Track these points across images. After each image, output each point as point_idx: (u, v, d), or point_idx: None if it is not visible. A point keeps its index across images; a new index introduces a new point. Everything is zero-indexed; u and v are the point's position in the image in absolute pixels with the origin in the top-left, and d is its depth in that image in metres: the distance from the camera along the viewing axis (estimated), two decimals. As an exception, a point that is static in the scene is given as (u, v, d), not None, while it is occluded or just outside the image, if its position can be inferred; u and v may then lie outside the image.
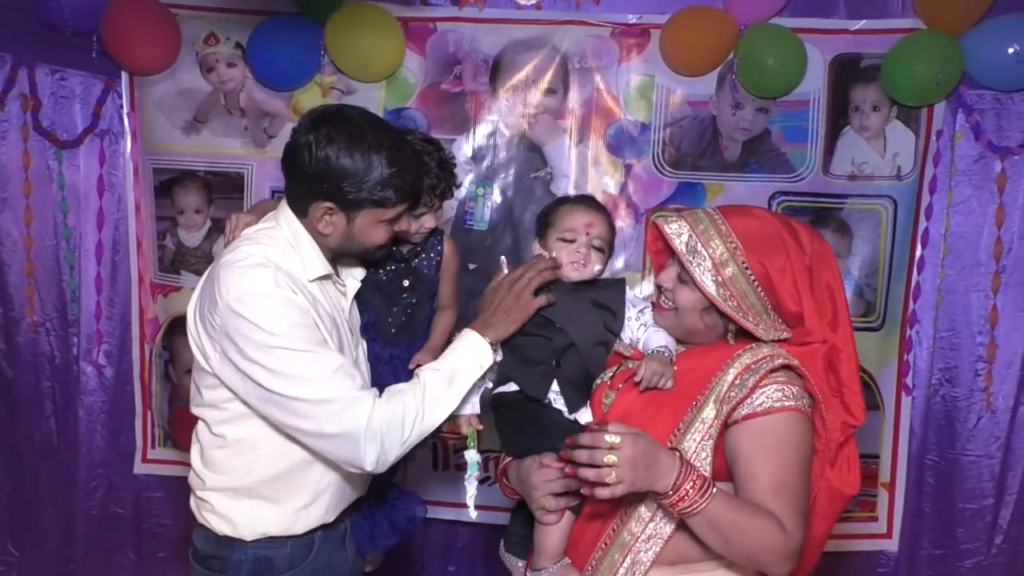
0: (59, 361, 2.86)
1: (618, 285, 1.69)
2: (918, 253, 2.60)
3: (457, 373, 1.60)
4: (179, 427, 2.82)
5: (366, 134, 1.57)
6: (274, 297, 1.52)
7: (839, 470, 1.50)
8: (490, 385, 1.67)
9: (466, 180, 2.64)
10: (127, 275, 2.82)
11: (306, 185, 1.58)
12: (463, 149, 2.64)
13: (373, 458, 1.52)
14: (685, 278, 1.52)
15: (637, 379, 1.51)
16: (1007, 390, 2.61)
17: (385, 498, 1.82)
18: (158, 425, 2.87)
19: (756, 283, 1.48)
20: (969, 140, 2.56)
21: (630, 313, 1.65)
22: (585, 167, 2.63)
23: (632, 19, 2.58)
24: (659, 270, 1.62)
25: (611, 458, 1.31)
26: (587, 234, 1.64)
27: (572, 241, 1.64)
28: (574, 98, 2.62)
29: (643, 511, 1.45)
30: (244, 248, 1.59)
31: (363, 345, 1.80)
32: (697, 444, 1.43)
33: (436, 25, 2.61)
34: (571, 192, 2.61)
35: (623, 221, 2.61)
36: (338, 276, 1.73)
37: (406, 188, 1.61)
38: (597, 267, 1.64)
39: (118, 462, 2.91)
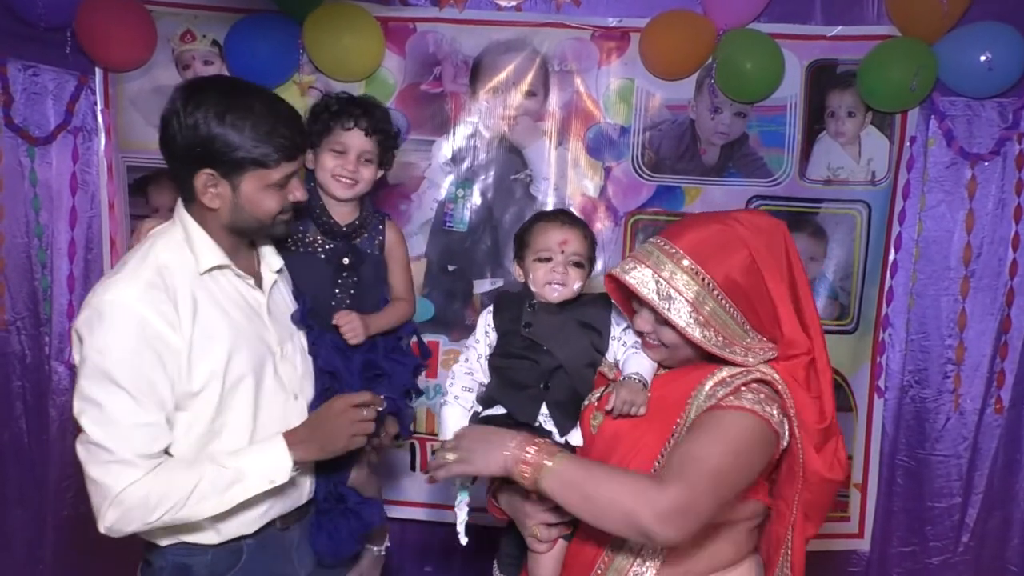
0: (30, 360, 2.80)
1: (604, 301, 1.62)
2: (891, 257, 2.63)
3: (241, 479, 1.50)
4: (153, 428, 2.79)
5: (236, 95, 1.51)
6: (127, 319, 1.42)
7: (824, 461, 1.43)
8: (479, 408, 1.63)
9: (446, 182, 2.62)
10: (100, 274, 2.71)
11: (181, 156, 1.51)
12: (443, 150, 2.63)
13: (109, 523, 1.44)
14: (661, 319, 1.45)
15: (608, 408, 1.48)
16: (975, 392, 2.64)
17: (346, 504, 1.74)
18: None
19: (731, 305, 1.42)
20: (941, 146, 2.59)
21: (615, 332, 1.61)
22: (565, 170, 2.62)
23: (612, 22, 2.57)
24: (629, 314, 1.55)
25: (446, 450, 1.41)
26: (563, 252, 1.60)
27: (548, 260, 1.60)
28: (554, 100, 2.61)
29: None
30: (128, 255, 1.55)
31: (299, 336, 1.72)
32: None
33: (416, 26, 2.58)
34: (550, 196, 2.61)
35: (602, 224, 2.61)
36: (247, 272, 1.62)
37: (285, 143, 1.52)
38: (577, 284, 1.61)
39: None
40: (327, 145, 1.77)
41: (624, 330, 1.61)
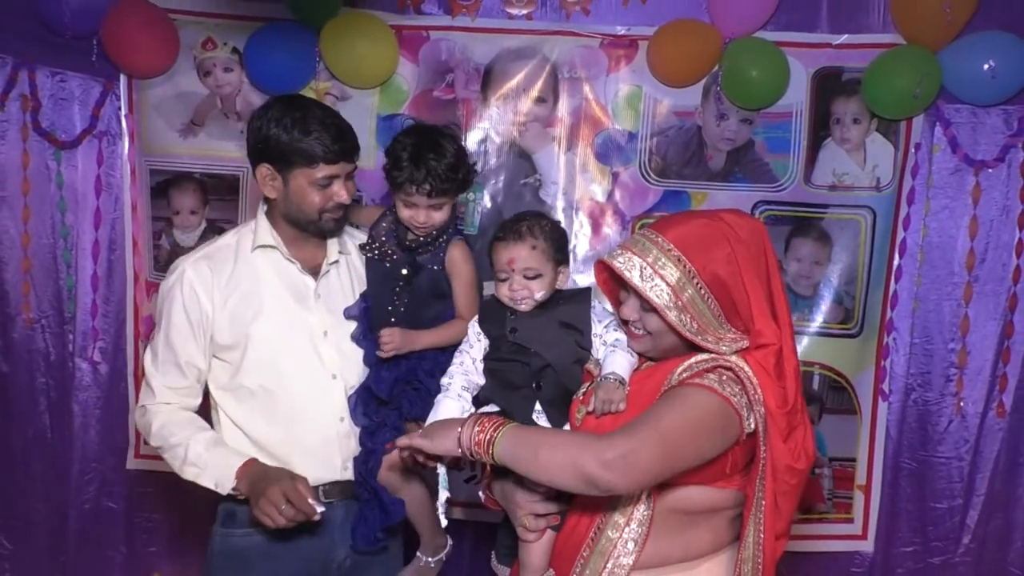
0: (54, 357, 2.87)
1: (582, 299, 1.68)
2: (895, 262, 2.65)
3: (201, 470, 1.76)
4: (172, 423, 2.86)
5: (294, 106, 1.79)
6: (174, 273, 1.85)
7: (790, 446, 1.46)
8: (473, 408, 1.69)
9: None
10: (123, 274, 2.83)
11: (251, 153, 1.82)
12: (455, 155, 2.69)
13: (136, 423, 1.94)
14: (647, 306, 1.50)
15: (590, 409, 1.53)
16: (976, 396, 2.66)
17: (378, 496, 1.83)
18: None
19: (709, 296, 1.46)
20: (946, 153, 2.61)
21: (596, 329, 1.65)
22: (573, 174, 2.66)
23: (621, 31, 2.61)
24: (616, 304, 1.60)
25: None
26: (513, 270, 1.65)
27: (506, 280, 1.66)
28: (563, 107, 2.66)
29: (618, 518, 1.47)
30: None
31: (349, 328, 1.86)
32: None
33: (429, 34, 2.64)
34: (559, 200, 2.67)
35: (610, 228, 2.66)
36: (307, 260, 1.87)
37: (327, 147, 1.74)
38: (539, 294, 1.65)
39: (111, 457, 2.91)
40: (399, 194, 1.83)
41: (605, 327, 1.65)
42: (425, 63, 2.65)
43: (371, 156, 2.59)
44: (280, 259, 1.86)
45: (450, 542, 1.98)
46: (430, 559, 1.93)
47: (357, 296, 1.91)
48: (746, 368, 1.45)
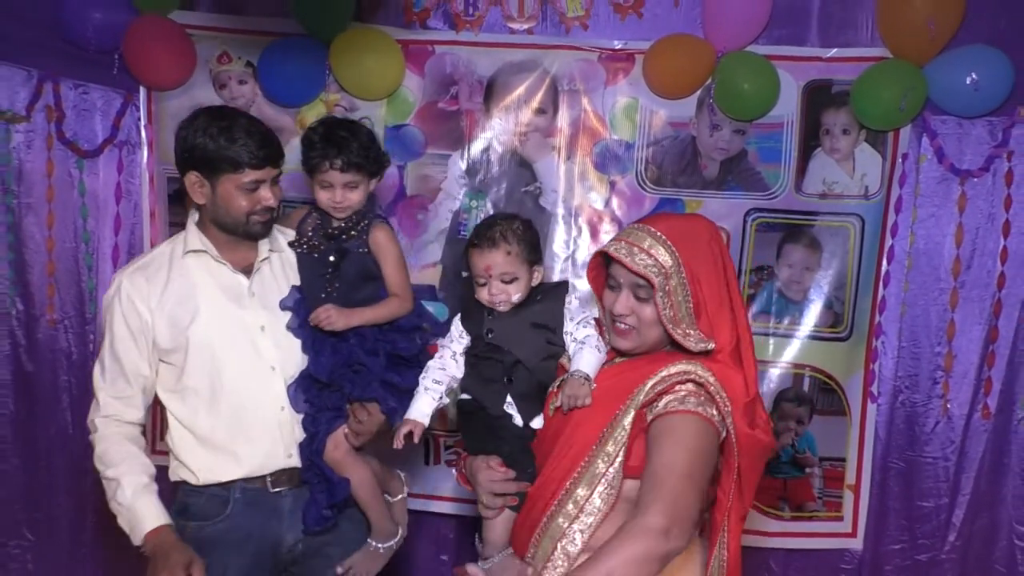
0: (76, 357, 2.95)
1: (557, 297, 1.76)
2: (884, 268, 2.69)
3: (122, 512, 1.84)
4: (187, 421, 2.95)
5: (219, 116, 1.87)
6: (113, 284, 1.93)
7: (758, 429, 1.56)
8: (445, 400, 1.84)
9: (460, 193, 2.75)
10: None
11: (179, 163, 1.90)
12: (458, 164, 2.75)
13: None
14: (643, 296, 1.59)
15: (557, 404, 1.64)
16: (962, 398, 2.69)
17: (323, 475, 1.92)
18: (166, 420, 2.97)
19: (687, 290, 1.56)
20: (932, 163, 2.64)
21: (568, 327, 1.74)
22: (572, 183, 2.73)
23: (618, 45, 2.68)
24: (602, 298, 1.68)
25: None
26: (490, 275, 1.74)
27: (484, 284, 1.75)
28: (563, 118, 2.72)
29: (570, 508, 1.56)
30: None
31: (281, 319, 1.94)
32: (616, 448, 1.55)
33: (434, 48, 2.71)
34: (559, 207, 2.74)
35: (607, 234, 2.71)
36: (239, 261, 1.95)
37: (252, 152, 1.82)
38: (516, 296, 1.75)
39: None
40: (315, 178, 1.93)
41: (576, 324, 1.73)
42: (430, 76, 2.72)
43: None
44: (211, 262, 1.93)
45: (402, 532, 2.06)
46: (380, 545, 2.01)
47: (281, 279, 2.00)
48: (712, 380, 1.53)
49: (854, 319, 2.72)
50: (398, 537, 2.04)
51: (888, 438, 2.75)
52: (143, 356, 1.90)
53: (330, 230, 1.94)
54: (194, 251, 1.93)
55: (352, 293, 1.93)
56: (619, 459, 1.54)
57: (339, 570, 1.96)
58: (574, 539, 1.56)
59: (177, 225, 2.85)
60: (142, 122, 2.83)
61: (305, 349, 1.94)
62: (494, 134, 2.74)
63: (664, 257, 1.56)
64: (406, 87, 2.73)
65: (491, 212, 2.75)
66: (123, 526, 1.84)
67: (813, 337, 2.72)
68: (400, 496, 2.10)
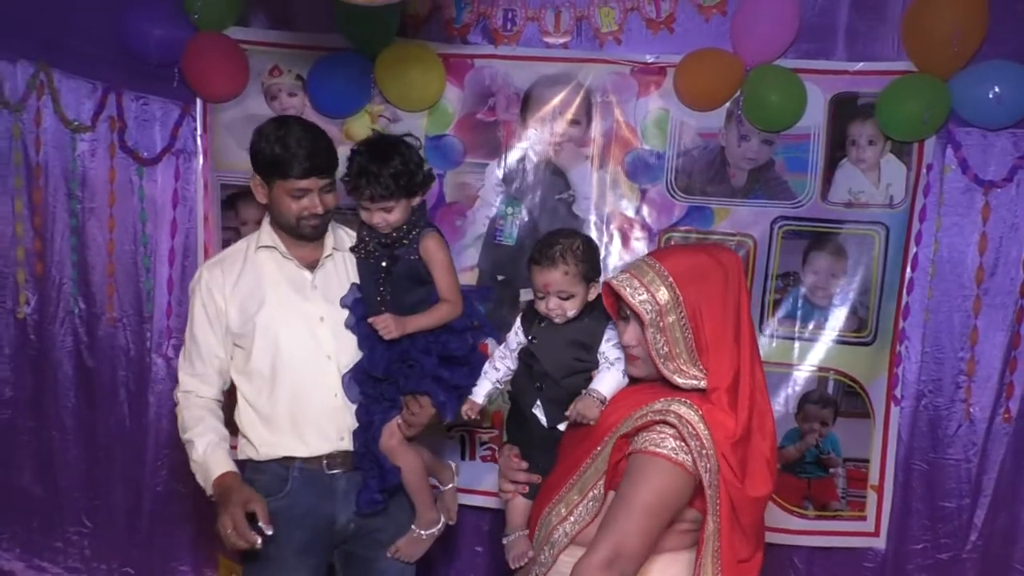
0: (133, 353, 3.10)
1: (602, 316, 1.84)
2: (908, 275, 2.73)
3: (199, 467, 2.04)
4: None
5: (281, 125, 2.03)
6: (191, 289, 2.15)
7: (750, 480, 1.60)
8: (499, 385, 2.04)
9: (497, 200, 2.84)
10: None
11: (252, 166, 2.08)
12: (495, 172, 2.84)
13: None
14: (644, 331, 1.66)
15: (567, 414, 1.77)
16: (984, 402, 2.73)
17: (377, 462, 2.05)
18: None
19: (688, 327, 1.62)
20: (956, 173, 2.69)
21: (604, 347, 1.83)
22: (604, 191, 2.81)
23: (650, 59, 2.76)
24: (617, 321, 1.76)
25: None
26: (549, 292, 1.84)
27: (543, 298, 1.86)
28: (596, 128, 2.80)
29: (561, 508, 1.72)
30: None
31: (344, 314, 2.10)
32: (602, 466, 1.67)
33: (474, 62, 2.81)
34: (591, 214, 2.82)
35: (638, 241, 2.79)
36: (304, 257, 2.12)
37: (300, 164, 1.98)
38: (571, 312, 1.84)
39: (180, 445, 3.00)
40: (355, 200, 2.06)
41: (611, 346, 1.82)
42: (470, 88, 2.82)
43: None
44: (279, 257, 2.11)
45: (444, 520, 2.20)
46: (423, 532, 2.15)
47: (348, 287, 2.14)
48: (693, 421, 1.57)
49: (878, 324, 2.76)
50: (440, 525, 2.17)
51: (911, 440, 2.79)
52: (218, 339, 2.09)
53: (384, 239, 2.07)
54: (265, 247, 2.11)
55: (404, 296, 2.06)
56: (603, 480, 1.67)
57: (388, 553, 2.11)
58: (566, 532, 1.70)
59: (230, 229, 2.99)
60: (198, 132, 2.95)
61: (361, 345, 2.08)
62: (530, 144, 2.83)
63: (662, 294, 1.62)
64: (446, 99, 2.82)
65: (526, 219, 2.85)
66: (200, 483, 2.02)
67: (838, 341, 2.77)
68: (450, 485, 2.24)
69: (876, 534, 2.81)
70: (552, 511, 1.74)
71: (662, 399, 1.63)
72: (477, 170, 2.85)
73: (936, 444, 2.78)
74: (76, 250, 3.05)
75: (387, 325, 2.00)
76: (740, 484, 1.59)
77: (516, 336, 1.98)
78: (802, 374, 2.79)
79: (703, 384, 1.63)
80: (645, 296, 1.64)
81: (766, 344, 2.76)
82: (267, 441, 2.08)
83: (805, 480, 2.81)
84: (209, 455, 2.01)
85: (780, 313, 2.78)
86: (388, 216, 2.02)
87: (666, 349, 1.64)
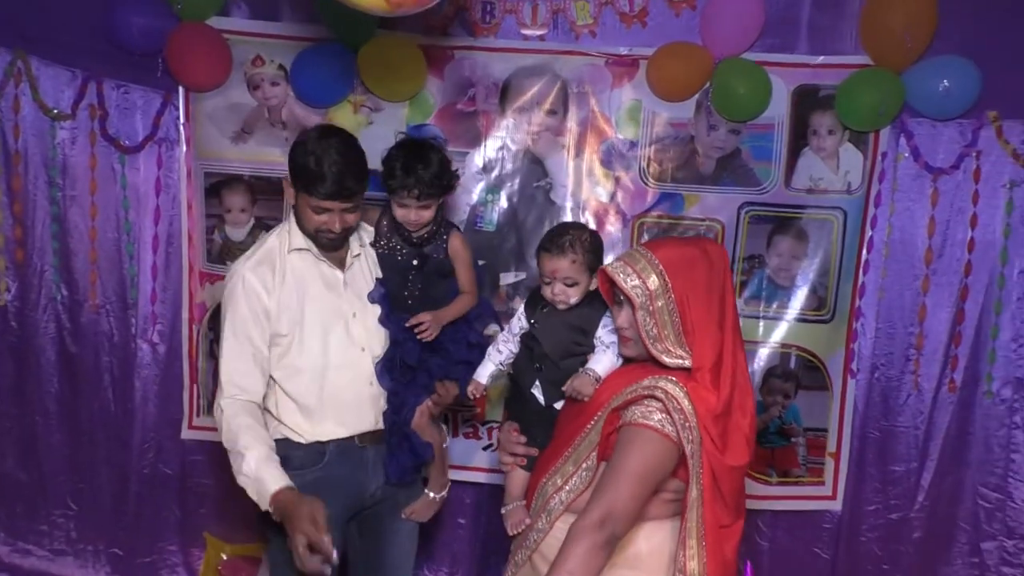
0: (117, 339, 3.12)
1: (600, 305, 1.97)
2: (864, 257, 2.89)
3: (251, 482, 1.97)
4: (222, 398, 3.13)
5: (325, 139, 2.05)
6: (235, 276, 2.12)
7: (730, 451, 1.74)
8: (501, 367, 2.15)
9: (477, 188, 2.92)
10: (179, 265, 3.06)
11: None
12: (475, 161, 2.92)
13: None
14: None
15: (563, 389, 1.90)
16: (931, 373, 2.91)
17: (409, 441, 2.19)
18: (203, 396, 3.13)
19: (675, 312, 1.75)
20: (909, 161, 2.84)
21: (600, 332, 1.96)
22: (580, 178, 2.91)
23: (624, 51, 2.85)
24: (611, 306, 1.90)
25: None
26: (556, 278, 1.97)
27: (549, 283, 1.99)
28: (572, 118, 2.89)
29: (557, 479, 1.85)
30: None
31: (371, 309, 2.21)
32: (595, 439, 1.80)
33: (454, 53, 2.88)
34: (568, 201, 2.92)
35: (612, 226, 2.90)
36: (334, 256, 2.17)
37: (325, 186, 2.01)
38: (574, 299, 1.98)
39: (167, 428, 3.17)
40: (394, 198, 2.16)
41: (607, 331, 1.95)
42: (450, 79, 2.89)
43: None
44: (313, 258, 2.17)
45: (450, 481, 2.39)
46: (436, 495, 2.33)
47: (373, 282, 2.24)
48: (678, 396, 1.71)
49: (836, 303, 2.92)
50: (447, 488, 2.35)
51: (865, 410, 2.96)
52: (263, 338, 2.12)
53: (414, 239, 2.18)
54: (298, 249, 2.15)
55: (431, 290, 2.20)
56: (595, 452, 1.80)
57: (403, 515, 2.28)
58: (561, 500, 1.83)
59: (213, 216, 3.02)
60: (180, 120, 2.96)
61: (393, 337, 2.19)
62: (508, 133, 2.91)
63: (652, 281, 1.76)
64: (427, 90, 2.88)
65: (505, 206, 2.93)
66: (251, 495, 1.99)
67: (799, 319, 2.92)
68: (446, 444, 2.40)
69: (833, 498, 2.98)
70: (549, 481, 1.88)
71: (650, 377, 1.77)
72: (458, 159, 2.87)
73: (888, 413, 2.96)
74: (57, 237, 3.06)
75: (428, 327, 2.14)
76: (720, 454, 1.73)
77: (519, 321, 2.11)
78: (766, 350, 2.95)
79: (688, 363, 1.77)
80: (637, 282, 1.77)
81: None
82: (309, 429, 2.15)
83: (769, 449, 2.97)
84: (263, 470, 1.98)
85: (746, 293, 2.93)
86: (424, 213, 2.13)
87: (655, 331, 1.77)
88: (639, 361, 1.88)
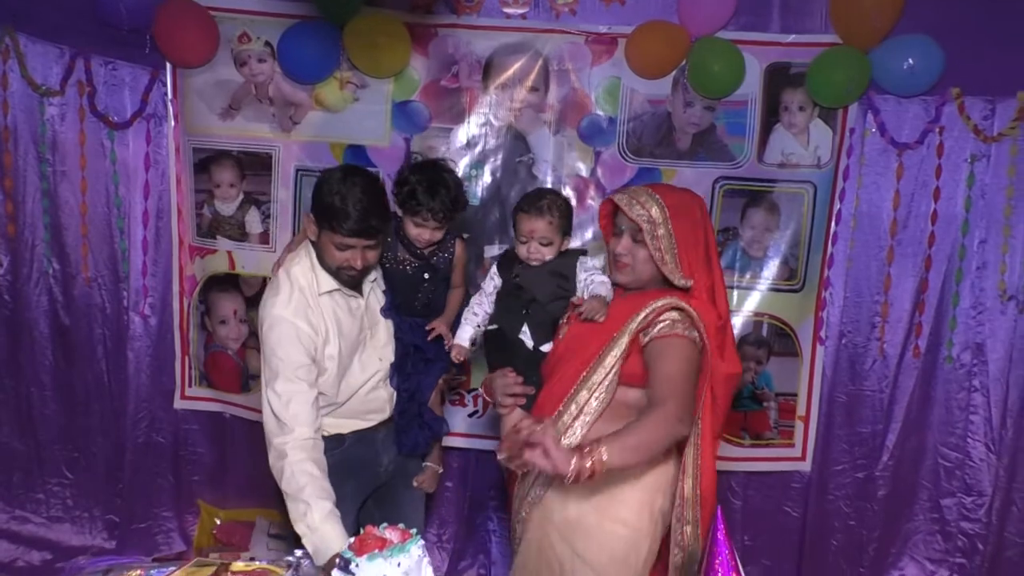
0: (110, 312, 3.18)
1: (572, 256, 2.19)
2: (832, 229, 2.99)
3: (307, 532, 1.96)
4: (213, 369, 3.18)
5: (351, 180, 2.08)
6: (283, 323, 2.10)
7: (727, 361, 1.98)
8: (482, 327, 2.25)
9: (462, 163, 2.98)
10: (169, 239, 3.12)
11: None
12: (459, 136, 2.98)
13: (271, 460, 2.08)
14: (639, 239, 2.01)
15: (580, 311, 2.02)
16: (896, 340, 3.03)
17: (423, 418, 2.35)
18: (194, 367, 3.21)
19: (673, 241, 1.98)
20: (875, 137, 2.94)
21: (580, 276, 2.13)
22: (562, 153, 2.98)
23: (603, 29, 2.91)
24: (609, 239, 2.11)
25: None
26: (532, 237, 2.12)
27: (525, 243, 2.13)
28: (553, 95, 2.96)
29: (572, 408, 1.96)
30: (279, 277, 2.20)
31: (385, 324, 2.33)
32: (613, 360, 1.96)
33: (438, 31, 2.93)
34: (549, 175, 2.99)
35: (592, 200, 2.98)
36: (350, 290, 2.23)
37: (348, 226, 2.05)
38: (548, 256, 2.14)
39: (160, 399, 3.24)
40: (412, 218, 2.22)
41: (587, 272, 2.13)
42: (434, 56, 2.94)
43: (386, 136, 2.96)
44: (340, 296, 2.23)
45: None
46: (437, 466, 2.51)
47: (380, 296, 2.34)
48: (690, 309, 1.93)
49: (806, 273, 3.02)
50: (441, 463, 2.55)
51: (833, 375, 3.08)
52: (313, 373, 2.13)
53: (423, 253, 2.29)
54: (328, 292, 2.18)
55: (439, 297, 2.36)
56: (615, 370, 1.93)
57: (414, 483, 2.44)
58: (575, 433, 1.94)
59: (203, 191, 3.06)
60: (168, 96, 3.01)
61: (407, 340, 2.33)
62: (491, 110, 2.97)
63: (655, 211, 1.98)
64: (412, 67, 2.94)
65: (489, 180, 3.01)
66: (307, 546, 1.96)
67: (771, 289, 3.03)
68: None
69: (803, 459, 3.11)
70: (563, 414, 1.97)
71: (662, 298, 1.97)
72: (442, 134, 2.99)
73: (854, 378, 3.08)
74: (48, 212, 3.09)
75: (446, 333, 2.31)
76: (721, 361, 1.96)
77: (492, 280, 2.25)
78: (740, 319, 3.04)
79: (690, 283, 2.00)
80: (642, 211, 1.99)
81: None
82: (333, 426, 2.26)
83: (742, 413, 3.09)
84: (326, 527, 1.97)
85: (721, 264, 2.96)
86: (438, 233, 2.24)
87: (659, 255, 1.99)
88: (633, 291, 2.05)
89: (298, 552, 1.91)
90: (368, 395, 2.30)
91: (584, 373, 1.98)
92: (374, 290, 2.34)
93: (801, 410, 3.09)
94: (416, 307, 2.35)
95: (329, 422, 2.25)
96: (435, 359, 2.36)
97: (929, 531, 3.16)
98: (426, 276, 2.31)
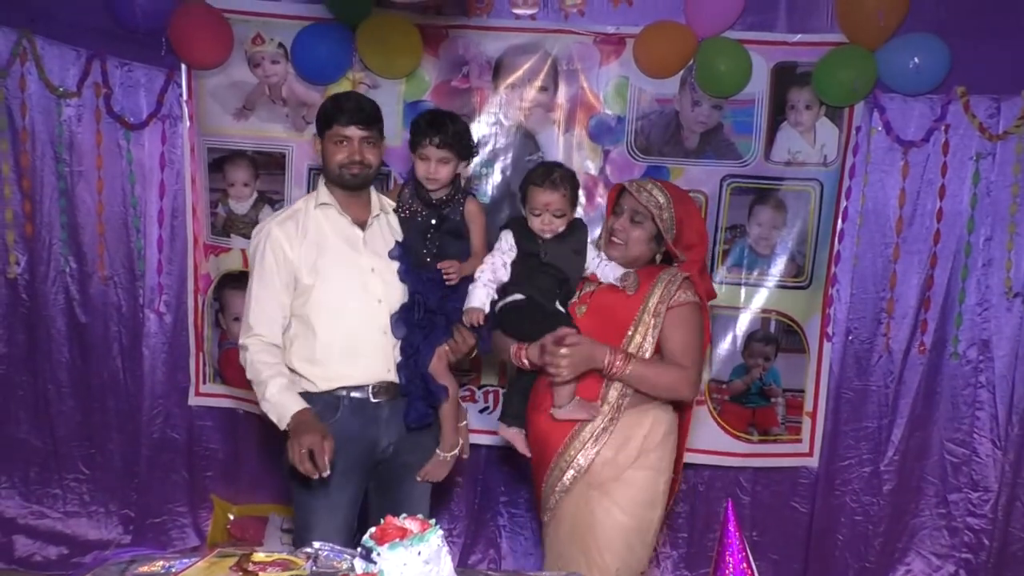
0: (126, 309, 3.21)
1: (581, 231, 2.30)
2: (839, 226, 3.00)
3: (272, 407, 2.15)
4: (227, 366, 3.19)
5: (344, 93, 2.32)
6: (265, 230, 2.26)
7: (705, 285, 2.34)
8: (495, 296, 2.26)
9: (472, 161, 2.98)
10: (184, 238, 3.15)
11: None
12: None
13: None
14: (638, 219, 2.23)
15: (622, 285, 2.22)
16: (901, 336, 3.04)
17: (424, 384, 2.28)
18: (208, 364, 3.23)
19: (673, 224, 2.23)
20: (881, 135, 2.95)
21: (592, 254, 2.25)
22: (571, 152, 3.00)
23: (611, 30, 2.94)
24: (610, 216, 2.31)
25: (560, 365, 2.10)
26: (548, 210, 2.19)
27: (539, 215, 2.20)
28: (562, 95, 2.98)
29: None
30: None
31: (390, 266, 2.31)
32: (643, 335, 2.21)
33: (448, 32, 2.96)
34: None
35: (601, 198, 2.99)
36: (356, 214, 2.30)
37: (344, 113, 2.20)
38: (560, 228, 2.25)
39: (175, 395, 3.27)
40: (417, 153, 2.28)
41: (597, 250, 2.32)
42: (444, 57, 2.97)
43: (398, 136, 2.96)
44: (335, 214, 2.28)
45: (461, 441, 2.43)
46: (446, 455, 2.39)
47: (393, 243, 2.33)
48: (693, 279, 2.26)
49: (813, 270, 3.04)
50: (459, 448, 2.41)
51: (840, 371, 3.09)
52: (284, 287, 2.24)
53: (433, 201, 2.30)
54: (323, 204, 2.28)
55: (447, 248, 2.31)
56: (650, 340, 2.19)
57: (417, 477, 2.36)
58: (624, 395, 2.22)
59: (217, 191, 3.10)
60: (183, 97, 3.03)
61: (413, 288, 2.30)
62: (501, 109, 3.00)
63: (661, 199, 2.23)
64: (423, 67, 2.97)
65: (499, 178, 3.04)
66: (272, 418, 2.15)
67: (778, 286, 3.04)
68: (464, 422, 2.46)
69: (810, 454, 3.12)
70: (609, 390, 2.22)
71: (668, 269, 2.26)
72: (453, 134, 3.02)
73: (861, 374, 3.10)
74: (65, 211, 3.13)
75: (454, 268, 2.27)
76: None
77: (509, 251, 2.25)
78: (747, 316, 3.07)
79: (684, 257, 2.25)
80: (649, 197, 2.22)
81: (716, 289, 3.01)
82: (324, 375, 2.25)
83: (750, 409, 3.10)
84: (284, 395, 2.16)
85: (729, 262, 3.05)
86: (442, 169, 2.26)
87: (666, 233, 2.24)
88: (632, 267, 2.27)
89: (316, 544, 1.93)
90: (359, 335, 2.27)
91: (624, 338, 2.20)
92: (382, 231, 2.34)
93: (808, 406, 3.10)
94: (425, 259, 2.31)
95: (316, 372, 2.25)
96: (436, 310, 2.30)
97: (935, 526, 3.16)
98: (433, 223, 2.31)
